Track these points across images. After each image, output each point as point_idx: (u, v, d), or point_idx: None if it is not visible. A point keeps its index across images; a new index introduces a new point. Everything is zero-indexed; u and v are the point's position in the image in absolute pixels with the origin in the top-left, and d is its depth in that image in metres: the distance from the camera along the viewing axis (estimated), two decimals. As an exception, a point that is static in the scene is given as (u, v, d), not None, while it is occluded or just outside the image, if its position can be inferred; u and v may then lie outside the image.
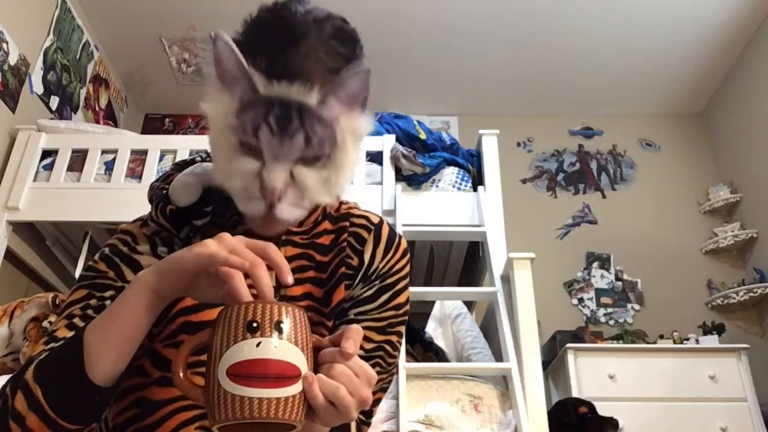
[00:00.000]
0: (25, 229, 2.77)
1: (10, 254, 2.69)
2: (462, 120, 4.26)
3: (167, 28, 3.75)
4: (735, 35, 3.67)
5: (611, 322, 3.62)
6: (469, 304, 2.85)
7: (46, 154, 2.80)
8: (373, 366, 0.72)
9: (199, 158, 0.88)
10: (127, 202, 2.58)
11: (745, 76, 3.78)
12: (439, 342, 2.46)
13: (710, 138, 4.17)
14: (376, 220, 0.87)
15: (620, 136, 4.25)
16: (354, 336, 0.59)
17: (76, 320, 0.74)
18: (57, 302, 2.28)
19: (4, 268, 2.68)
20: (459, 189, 2.63)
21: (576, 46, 3.78)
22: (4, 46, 2.91)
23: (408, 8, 3.55)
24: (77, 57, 3.60)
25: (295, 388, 0.55)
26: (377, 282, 0.83)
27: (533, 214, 3.91)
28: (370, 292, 0.83)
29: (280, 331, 0.55)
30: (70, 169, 2.75)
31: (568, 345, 2.98)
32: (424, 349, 2.53)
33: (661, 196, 4.00)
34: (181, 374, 0.58)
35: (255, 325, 0.55)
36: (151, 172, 2.70)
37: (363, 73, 0.73)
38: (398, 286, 0.85)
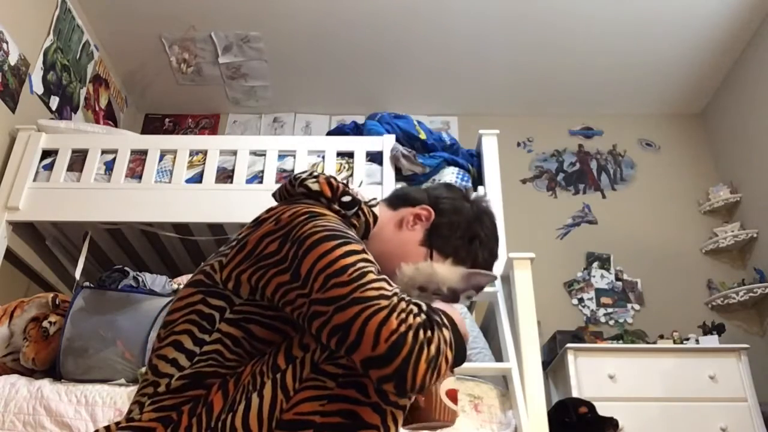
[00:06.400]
0: (25, 229, 2.76)
1: (10, 254, 2.69)
2: (462, 120, 4.25)
3: (167, 28, 3.75)
4: (735, 35, 3.68)
5: (611, 322, 3.61)
6: (469, 304, 2.85)
7: (46, 154, 2.80)
8: None
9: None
10: (127, 202, 2.58)
11: (745, 76, 3.78)
12: (439, 342, 2.45)
13: (710, 138, 4.17)
14: None
15: (620, 136, 4.24)
16: None
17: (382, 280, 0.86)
18: (57, 302, 2.24)
19: (4, 268, 2.68)
20: (459, 189, 2.63)
21: (576, 46, 3.78)
22: (4, 46, 2.91)
23: (408, 8, 3.55)
24: (77, 57, 3.59)
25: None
26: None
27: (533, 214, 3.91)
28: None
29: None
30: (70, 169, 2.74)
31: (568, 345, 2.98)
32: (424, 349, 2.52)
33: (661, 196, 4.00)
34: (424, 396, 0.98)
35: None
36: (151, 172, 2.68)
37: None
38: None
